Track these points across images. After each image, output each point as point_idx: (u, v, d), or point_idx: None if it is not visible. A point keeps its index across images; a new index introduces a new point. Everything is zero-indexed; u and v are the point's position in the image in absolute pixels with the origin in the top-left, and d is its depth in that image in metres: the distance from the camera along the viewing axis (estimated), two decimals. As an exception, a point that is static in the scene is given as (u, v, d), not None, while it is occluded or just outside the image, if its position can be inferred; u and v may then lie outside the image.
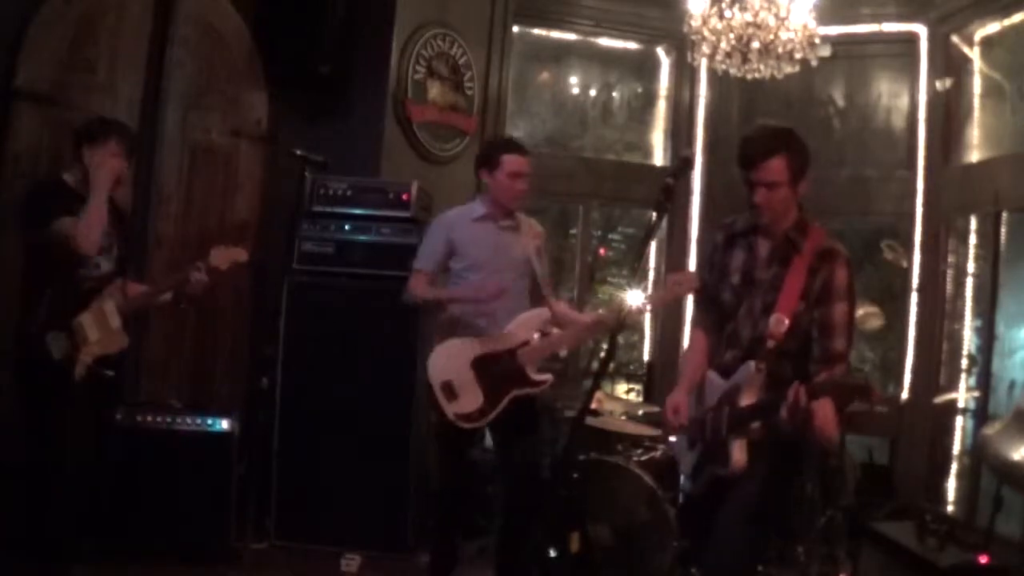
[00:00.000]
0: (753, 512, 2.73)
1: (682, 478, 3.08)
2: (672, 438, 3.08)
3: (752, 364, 2.66)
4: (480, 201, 3.81)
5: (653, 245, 5.83)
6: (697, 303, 3.20)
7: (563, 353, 4.62)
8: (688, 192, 6.12)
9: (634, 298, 3.60)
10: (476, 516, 4.45)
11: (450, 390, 3.59)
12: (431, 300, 3.74)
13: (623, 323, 3.39)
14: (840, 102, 6.08)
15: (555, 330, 3.70)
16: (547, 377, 3.62)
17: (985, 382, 5.05)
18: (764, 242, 2.83)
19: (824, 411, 2.55)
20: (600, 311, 3.78)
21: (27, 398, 3.45)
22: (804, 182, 2.76)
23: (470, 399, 3.58)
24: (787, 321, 2.66)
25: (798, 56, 4.54)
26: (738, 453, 2.66)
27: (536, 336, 3.61)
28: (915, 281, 5.58)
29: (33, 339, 3.36)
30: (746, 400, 2.67)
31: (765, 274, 2.79)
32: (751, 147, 2.75)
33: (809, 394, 2.49)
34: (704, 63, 4.94)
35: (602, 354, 2.60)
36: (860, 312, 4.87)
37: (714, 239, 2.98)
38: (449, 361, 3.61)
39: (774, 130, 2.80)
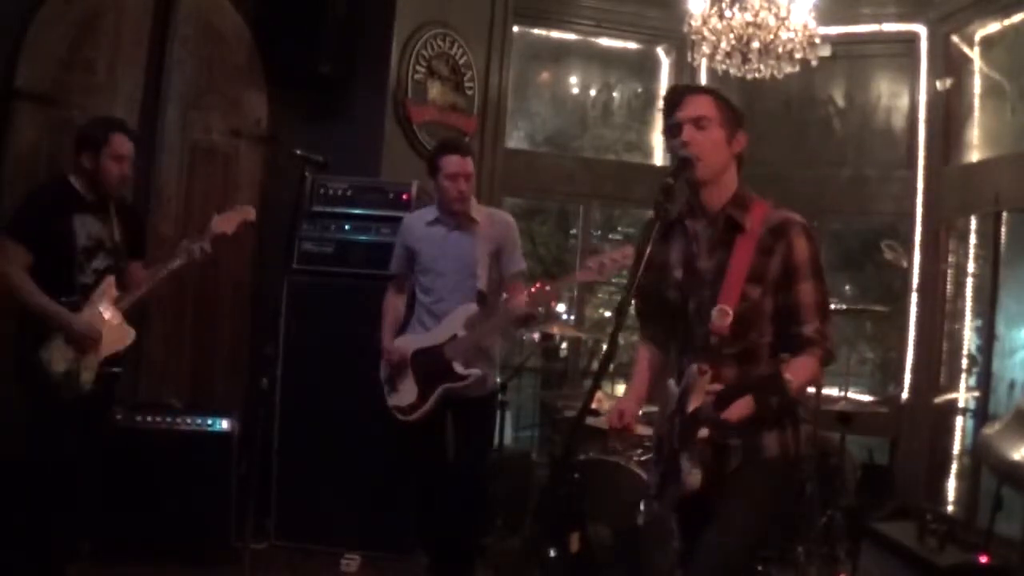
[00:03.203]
0: (737, 562, 2.39)
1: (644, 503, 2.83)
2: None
3: (695, 367, 2.32)
4: (434, 205, 3.88)
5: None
6: (638, 312, 2.72)
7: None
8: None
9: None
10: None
11: (391, 383, 3.81)
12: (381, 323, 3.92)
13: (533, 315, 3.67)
14: (840, 102, 6.08)
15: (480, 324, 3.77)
16: (473, 371, 3.68)
17: (985, 382, 5.05)
18: (702, 225, 2.48)
19: (736, 414, 2.27)
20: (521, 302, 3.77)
21: (33, 405, 3.41)
22: (738, 140, 2.45)
23: (407, 393, 3.76)
24: (731, 312, 2.31)
25: (798, 56, 4.54)
26: (688, 468, 2.32)
27: (462, 331, 3.70)
28: (915, 281, 5.58)
29: (28, 356, 3.33)
30: (692, 406, 2.32)
31: (708, 263, 2.44)
32: (676, 88, 2.53)
33: (717, 405, 2.25)
34: (704, 63, 4.95)
35: (602, 354, 2.58)
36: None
37: (646, 234, 2.48)
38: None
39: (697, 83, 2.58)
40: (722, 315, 2.32)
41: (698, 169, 2.40)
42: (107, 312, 3.49)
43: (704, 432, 2.31)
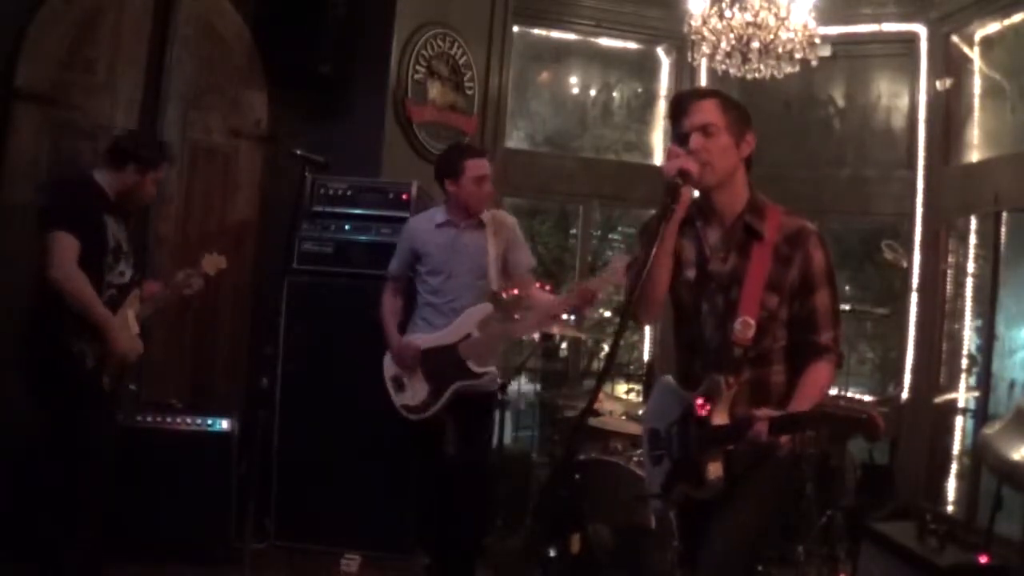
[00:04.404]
0: (744, 558, 2.43)
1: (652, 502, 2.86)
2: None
3: (721, 379, 2.32)
4: (443, 208, 3.90)
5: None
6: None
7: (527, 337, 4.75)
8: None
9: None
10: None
11: (398, 383, 3.81)
12: (379, 318, 3.92)
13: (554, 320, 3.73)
14: (840, 102, 6.08)
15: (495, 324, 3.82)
16: (488, 370, 3.77)
17: (985, 382, 5.05)
18: (712, 229, 2.46)
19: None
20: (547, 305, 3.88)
21: (54, 406, 3.33)
22: (747, 143, 2.43)
23: (416, 391, 3.79)
24: (753, 323, 2.33)
25: (798, 56, 4.54)
26: (713, 474, 2.33)
27: (476, 331, 3.73)
28: (915, 281, 5.58)
29: (64, 347, 3.28)
30: (717, 419, 2.32)
31: (722, 266, 2.43)
32: (681, 95, 2.51)
33: (775, 428, 2.22)
34: (704, 63, 4.95)
35: (604, 355, 2.57)
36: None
37: (649, 235, 2.36)
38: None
39: (704, 87, 2.60)
40: (745, 327, 2.33)
41: (704, 175, 2.36)
42: (131, 321, 3.49)
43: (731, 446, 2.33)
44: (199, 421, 4.09)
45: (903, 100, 5.87)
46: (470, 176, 3.75)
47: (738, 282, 2.38)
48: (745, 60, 4.57)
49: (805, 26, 4.51)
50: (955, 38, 5.53)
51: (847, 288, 6.41)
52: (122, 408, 3.87)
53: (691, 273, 2.48)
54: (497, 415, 4.28)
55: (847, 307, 5.09)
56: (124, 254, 3.48)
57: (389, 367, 3.86)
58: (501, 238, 3.85)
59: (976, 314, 5.35)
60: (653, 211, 2.42)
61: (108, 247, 3.39)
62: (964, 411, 5.34)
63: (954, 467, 5.32)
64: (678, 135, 2.42)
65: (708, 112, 2.38)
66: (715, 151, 2.36)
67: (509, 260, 3.88)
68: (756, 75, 4.62)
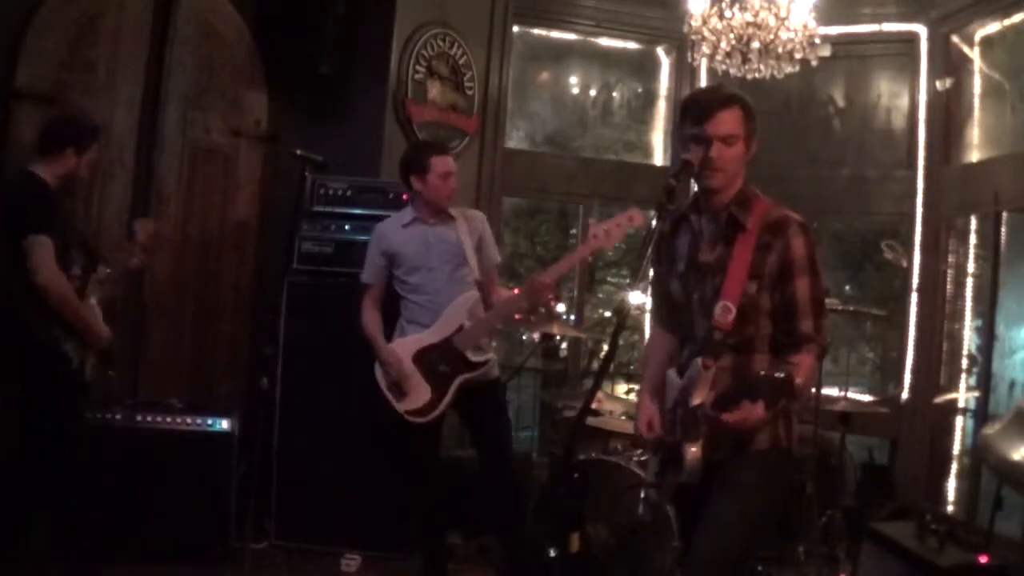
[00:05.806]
0: (730, 554, 2.42)
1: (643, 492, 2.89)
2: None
3: (699, 361, 2.38)
4: (410, 208, 3.89)
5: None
6: (653, 299, 2.83)
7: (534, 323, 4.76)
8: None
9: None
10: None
11: (398, 389, 3.75)
12: (364, 333, 3.86)
13: (535, 302, 3.74)
14: (840, 102, 6.08)
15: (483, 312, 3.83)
16: (488, 357, 3.78)
17: (985, 382, 5.05)
18: (706, 221, 2.55)
19: (739, 417, 2.26)
20: (515, 290, 3.97)
21: (47, 410, 3.33)
22: (752, 148, 2.51)
23: (418, 394, 3.73)
24: (733, 308, 2.37)
25: (798, 56, 4.54)
26: (691, 456, 2.38)
27: (467, 320, 3.73)
28: (915, 281, 5.58)
29: (58, 352, 3.29)
30: (696, 401, 2.38)
31: (710, 256, 2.51)
32: (705, 97, 2.52)
33: (717, 405, 2.28)
34: (704, 63, 4.94)
35: (603, 355, 2.58)
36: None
37: (660, 228, 2.49)
38: None
39: (724, 86, 2.65)
40: (725, 311, 2.38)
41: (715, 180, 2.45)
42: (95, 309, 3.51)
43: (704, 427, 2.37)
44: (199, 421, 4.09)
45: (903, 100, 5.87)
46: (436, 172, 3.75)
47: (722, 270, 2.44)
48: (745, 60, 4.57)
49: (805, 26, 4.50)
50: (955, 38, 5.53)
51: (847, 288, 6.41)
52: (116, 400, 3.92)
53: (681, 265, 2.57)
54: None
55: (847, 307, 5.09)
56: (75, 243, 3.47)
57: (384, 377, 3.81)
58: (474, 230, 3.87)
59: (976, 314, 5.34)
60: (652, 212, 2.47)
61: (69, 242, 3.40)
62: (964, 411, 5.34)
63: (954, 467, 5.32)
64: (694, 136, 2.45)
65: (733, 123, 2.44)
66: (729, 159, 2.44)
67: (480, 255, 3.88)
68: (756, 75, 4.61)
